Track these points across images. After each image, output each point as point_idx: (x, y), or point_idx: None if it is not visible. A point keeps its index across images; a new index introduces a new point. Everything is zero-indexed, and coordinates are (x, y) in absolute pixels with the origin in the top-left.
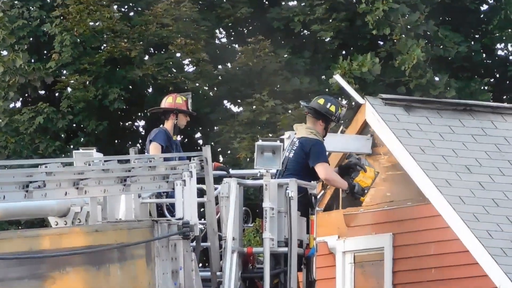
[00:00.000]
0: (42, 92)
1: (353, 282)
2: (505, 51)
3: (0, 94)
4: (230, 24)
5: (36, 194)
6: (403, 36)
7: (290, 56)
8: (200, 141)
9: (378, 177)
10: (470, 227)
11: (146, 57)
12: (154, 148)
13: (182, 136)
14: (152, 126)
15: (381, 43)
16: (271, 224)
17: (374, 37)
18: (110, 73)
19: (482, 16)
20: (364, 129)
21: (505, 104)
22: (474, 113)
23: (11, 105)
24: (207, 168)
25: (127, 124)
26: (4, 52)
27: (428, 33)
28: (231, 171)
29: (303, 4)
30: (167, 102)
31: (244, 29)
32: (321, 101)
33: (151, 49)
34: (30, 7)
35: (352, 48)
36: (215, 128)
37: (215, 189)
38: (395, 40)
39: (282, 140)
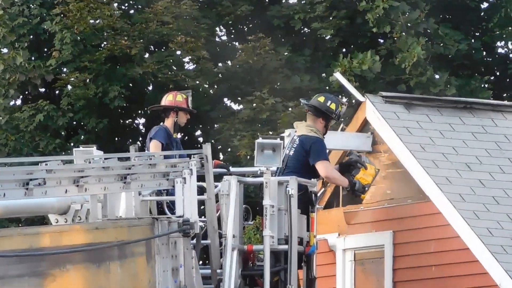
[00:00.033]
0: (43, 89)
1: (353, 279)
2: (505, 49)
3: (0, 92)
4: (230, 22)
5: (36, 192)
6: (404, 34)
7: (291, 54)
8: (200, 139)
9: (379, 174)
10: (471, 224)
11: (147, 55)
12: (154, 146)
13: (182, 134)
14: (152, 124)
15: (382, 41)
16: (271, 221)
17: (374, 35)
18: (110, 71)
19: (482, 14)
20: (365, 127)
21: (505, 102)
22: (474, 111)
23: (12, 103)
24: (207, 165)
25: (127, 121)
26: (5, 50)
27: (429, 31)
28: (231, 169)
29: (303, 2)
30: (167, 100)
31: (245, 27)
32: (321, 99)
33: (151, 47)
34: (31, 5)
35: (352, 46)
36: (215, 126)
37: (215, 186)
38: (395, 38)
39: (282, 138)
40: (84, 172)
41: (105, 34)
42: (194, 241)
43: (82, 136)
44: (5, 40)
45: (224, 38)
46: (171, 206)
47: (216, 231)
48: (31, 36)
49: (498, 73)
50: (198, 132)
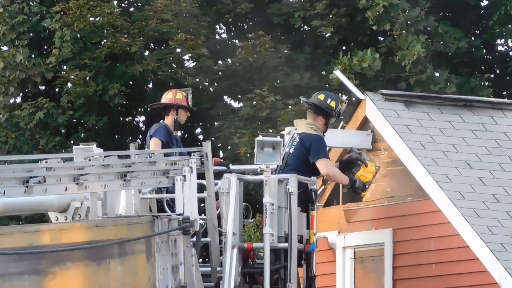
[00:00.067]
0: (42, 87)
1: (353, 277)
2: (505, 47)
3: (0, 89)
4: (230, 20)
5: (36, 190)
6: (403, 31)
7: (290, 51)
8: (200, 137)
9: (379, 172)
10: (471, 222)
11: (146, 53)
12: (154, 144)
13: (182, 132)
14: (152, 121)
15: (381, 38)
16: (271, 219)
17: (374, 32)
18: (110, 68)
19: (482, 11)
20: (365, 124)
21: (506, 100)
22: (474, 109)
23: (12, 101)
24: (207, 163)
25: (127, 119)
26: (5, 48)
27: (428, 28)
28: (231, 167)
29: None
30: (167, 97)
31: (244, 24)
32: (321, 96)
33: (151, 44)
34: (30, 3)
35: (352, 44)
36: (215, 123)
37: (215, 184)
38: (395, 36)
39: (282, 136)
40: (84, 169)
41: (105, 31)
42: (194, 239)
43: (82, 134)
44: (5, 38)
45: (224, 35)
46: (171, 204)
47: (216, 229)
48: (31, 34)
49: (498, 71)
50: (198, 130)
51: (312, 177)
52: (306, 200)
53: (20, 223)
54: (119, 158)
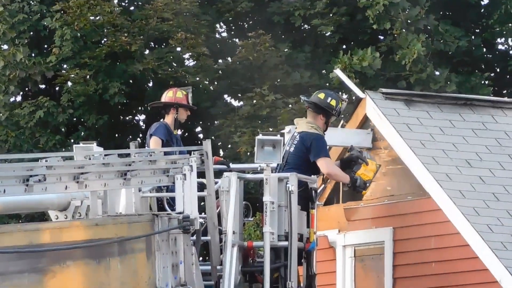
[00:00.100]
0: (43, 86)
1: (353, 276)
2: (506, 46)
3: (0, 88)
4: (230, 19)
5: (36, 188)
6: (404, 30)
7: (291, 50)
8: (201, 135)
9: (379, 171)
10: (471, 221)
11: (147, 51)
12: (154, 142)
13: (182, 130)
14: (152, 120)
15: (382, 37)
16: (271, 218)
17: (374, 31)
18: (111, 67)
19: (482, 10)
20: (365, 123)
21: (506, 99)
22: (474, 108)
23: (12, 99)
24: (207, 162)
25: (127, 118)
26: (5, 46)
27: (429, 27)
28: (232, 165)
29: None
30: (167, 96)
31: (245, 23)
32: (322, 95)
33: (152, 43)
34: (31, 1)
35: (352, 43)
36: (216, 122)
37: (216, 183)
38: (395, 35)
39: (282, 134)
40: (84, 168)
41: (105, 30)
42: (194, 237)
43: (82, 133)
44: (5, 37)
45: (224, 34)
46: (171, 202)
47: (216, 228)
48: (31, 33)
49: (498, 70)
50: (198, 129)
51: (312, 176)
52: (306, 198)
53: (20, 221)
54: (119, 157)
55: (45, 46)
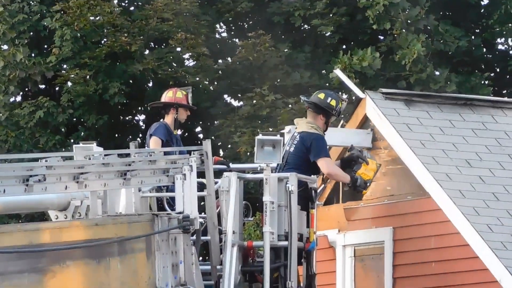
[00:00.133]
0: (43, 86)
1: (353, 276)
2: (506, 46)
3: (0, 88)
4: (230, 19)
5: (36, 188)
6: (404, 30)
7: (291, 50)
8: (201, 135)
9: (379, 170)
10: (471, 221)
11: (147, 52)
12: (154, 142)
13: (182, 130)
14: (152, 120)
15: (382, 37)
16: (271, 218)
17: (374, 31)
18: (111, 67)
19: (482, 10)
20: (365, 123)
21: (506, 99)
22: (474, 108)
23: (12, 99)
24: (207, 162)
25: (127, 118)
26: (5, 47)
27: (429, 27)
28: (231, 165)
29: None
30: (167, 96)
31: (245, 23)
32: (322, 95)
33: (152, 43)
34: (31, 2)
35: (352, 43)
36: (216, 122)
37: (215, 183)
38: (395, 35)
39: (282, 135)
40: (84, 168)
41: (105, 31)
42: (194, 237)
43: (82, 133)
44: (5, 37)
45: (224, 34)
46: (171, 202)
47: (216, 227)
48: (31, 33)
49: (498, 70)
50: (198, 129)
51: (312, 176)
52: (306, 198)
53: (20, 221)
54: (119, 157)
55: (45, 46)
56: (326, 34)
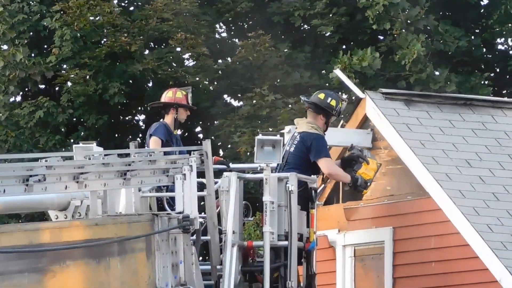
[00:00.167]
0: (42, 86)
1: (353, 275)
2: (505, 46)
3: (0, 88)
4: (230, 19)
5: (36, 188)
6: (403, 30)
7: (291, 50)
8: (200, 135)
9: (379, 170)
10: (471, 221)
11: (146, 52)
12: (154, 142)
13: (182, 130)
14: (152, 120)
15: (381, 37)
16: (271, 218)
17: (374, 31)
18: (110, 67)
19: (482, 10)
20: (365, 123)
21: (505, 99)
22: (474, 108)
23: (11, 99)
24: (207, 162)
25: (127, 118)
26: (5, 47)
27: (428, 27)
28: (231, 165)
29: None
30: (167, 96)
31: (244, 23)
32: (322, 95)
33: (151, 43)
34: (30, 2)
35: (352, 43)
36: (215, 122)
37: (215, 183)
38: (395, 35)
39: (282, 135)
40: (84, 168)
41: (105, 31)
42: (194, 237)
43: (82, 133)
44: (5, 37)
45: (224, 34)
46: (171, 202)
47: (216, 227)
48: (31, 33)
49: (498, 70)
50: (198, 129)
51: (312, 176)
52: (306, 198)
53: (20, 221)
54: (119, 157)
55: (45, 46)
56: (326, 34)
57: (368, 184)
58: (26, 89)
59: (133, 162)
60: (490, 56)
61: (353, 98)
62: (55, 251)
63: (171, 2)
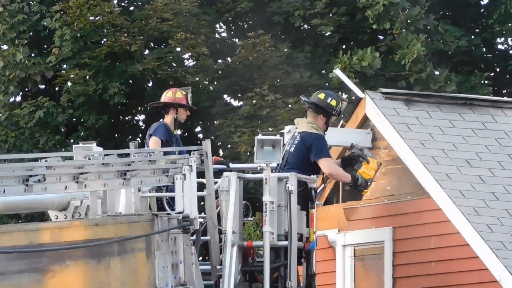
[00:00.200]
0: (42, 86)
1: (353, 275)
2: (505, 45)
3: (0, 88)
4: (230, 19)
5: (36, 188)
6: (403, 30)
7: (291, 50)
8: (200, 135)
9: (379, 170)
10: (470, 220)
11: (146, 52)
12: (154, 142)
13: (182, 130)
14: (152, 120)
15: (381, 37)
16: (271, 218)
17: (374, 31)
18: (110, 67)
19: (482, 10)
20: (364, 123)
21: (505, 98)
22: (474, 107)
23: (11, 99)
24: (207, 162)
25: (127, 118)
26: (5, 47)
27: (428, 27)
28: (231, 165)
29: None
30: (167, 96)
31: (244, 23)
32: (322, 95)
33: (151, 43)
34: (30, 2)
35: (352, 43)
36: (215, 122)
37: (215, 183)
38: (395, 35)
39: (282, 134)
40: (83, 168)
41: (105, 31)
42: (194, 237)
43: (82, 133)
44: (5, 37)
45: (224, 34)
46: (171, 202)
47: (216, 227)
48: (31, 33)
49: (498, 69)
50: (198, 129)
51: (312, 176)
52: (306, 198)
53: (20, 221)
54: (119, 157)
55: (45, 46)
56: (326, 34)
57: (369, 183)
58: (26, 89)
59: (133, 162)
60: (490, 55)
61: (353, 98)
62: (55, 251)
63: (171, 2)
